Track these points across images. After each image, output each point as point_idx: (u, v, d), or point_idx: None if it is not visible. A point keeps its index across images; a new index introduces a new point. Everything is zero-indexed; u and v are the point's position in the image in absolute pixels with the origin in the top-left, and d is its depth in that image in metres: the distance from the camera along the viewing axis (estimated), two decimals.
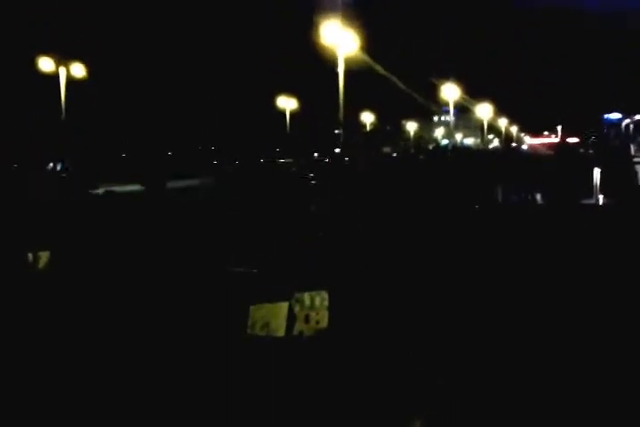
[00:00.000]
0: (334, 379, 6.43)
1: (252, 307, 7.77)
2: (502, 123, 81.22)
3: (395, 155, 60.22)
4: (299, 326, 7.60)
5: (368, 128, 69.10)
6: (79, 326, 8.24)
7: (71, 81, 36.00)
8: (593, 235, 13.26)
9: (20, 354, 7.33)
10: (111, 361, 7.05)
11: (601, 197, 25.91)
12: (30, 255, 11.72)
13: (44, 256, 11.82)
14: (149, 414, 5.99)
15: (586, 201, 24.57)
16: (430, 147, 73.98)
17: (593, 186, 28.18)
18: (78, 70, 36.26)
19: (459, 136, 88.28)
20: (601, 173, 29.93)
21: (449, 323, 7.84)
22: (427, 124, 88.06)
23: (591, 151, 64.45)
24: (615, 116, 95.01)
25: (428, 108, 70.75)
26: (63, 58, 35.87)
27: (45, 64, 35.54)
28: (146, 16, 65.23)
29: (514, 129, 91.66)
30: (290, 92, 53.75)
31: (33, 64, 36.22)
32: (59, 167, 39.81)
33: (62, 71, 35.55)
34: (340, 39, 26.38)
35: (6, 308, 9.03)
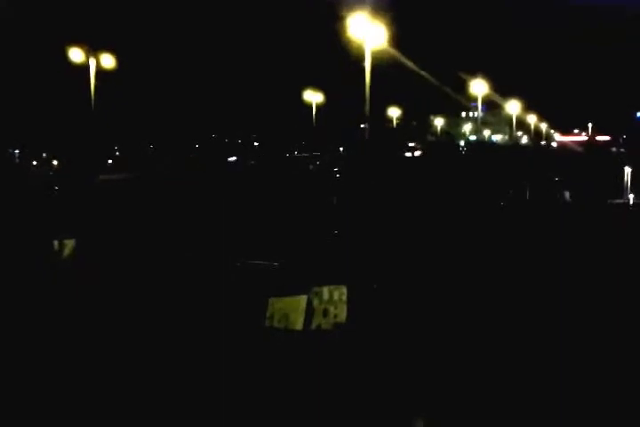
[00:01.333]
0: (351, 371, 6.38)
1: (270, 299, 7.75)
2: (531, 120, 79.99)
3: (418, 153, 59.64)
4: (317, 320, 7.55)
5: (394, 123, 68.59)
6: (102, 312, 8.31)
7: (100, 71, 36.31)
8: (621, 234, 12.98)
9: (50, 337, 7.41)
10: (128, 347, 7.09)
11: (631, 197, 25.38)
12: (56, 243, 11.89)
13: (70, 244, 11.98)
14: (167, 396, 6.01)
15: (616, 200, 24.11)
16: (461, 142, 73.19)
17: (623, 185, 27.66)
18: (108, 61, 36.50)
19: (487, 132, 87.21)
20: (632, 172, 29.34)
21: (468, 319, 7.72)
22: (454, 120, 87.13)
23: (622, 150, 63.26)
24: None
25: (456, 103, 69.97)
26: (93, 49, 36.15)
27: (76, 55, 35.85)
28: (175, 8, 65.59)
29: (543, 126, 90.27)
30: (317, 85, 53.57)
31: (63, 54, 36.57)
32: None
33: (92, 62, 35.82)
34: (367, 33, 26.11)
35: (34, 293, 9.15)
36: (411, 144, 66.16)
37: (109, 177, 30.74)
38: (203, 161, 39.24)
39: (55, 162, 49.11)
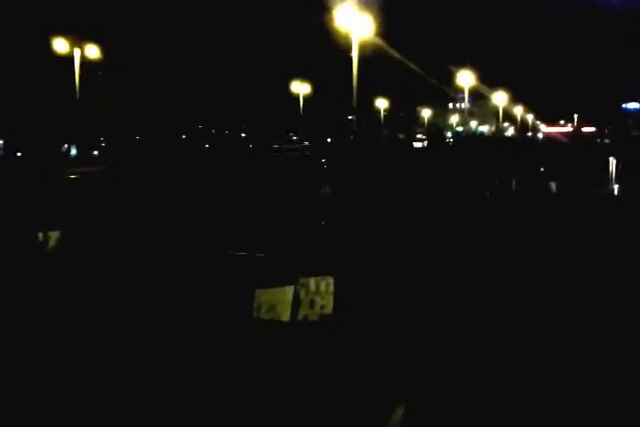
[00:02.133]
0: (335, 364, 6.40)
1: (257, 290, 7.75)
2: (518, 111, 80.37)
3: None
4: (303, 311, 7.56)
5: (382, 114, 68.59)
6: (85, 308, 8.27)
7: (85, 62, 36.01)
8: (608, 224, 13.08)
9: (32, 336, 7.37)
10: (116, 343, 7.07)
11: (616, 187, 25.59)
12: (40, 235, 11.77)
13: (54, 236, 11.86)
14: (155, 393, 6.00)
15: (601, 190, 24.28)
16: (448, 134, 73.36)
17: (608, 175, 27.85)
18: (93, 52, 36.24)
19: (473, 123, 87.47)
20: (617, 162, 29.57)
21: (454, 315, 7.76)
22: (441, 111, 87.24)
23: (607, 141, 63.77)
24: (633, 105, 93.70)
25: (443, 94, 70.03)
26: (78, 39, 35.85)
27: (60, 45, 35.55)
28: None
29: (529, 117, 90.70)
30: (304, 76, 53.40)
31: (48, 45, 36.23)
32: (73, 150, 39.96)
33: (77, 52, 35.56)
34: (354, 23, 26.04)
35: (17, 288, 9.09)
36: (419, 135, 66.14)
37: (92, 169, 30.47)
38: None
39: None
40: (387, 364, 6.41)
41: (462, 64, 49.64)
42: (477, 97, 68.95)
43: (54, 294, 8.78)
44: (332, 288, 7.66)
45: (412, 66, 52.02)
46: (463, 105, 68.51)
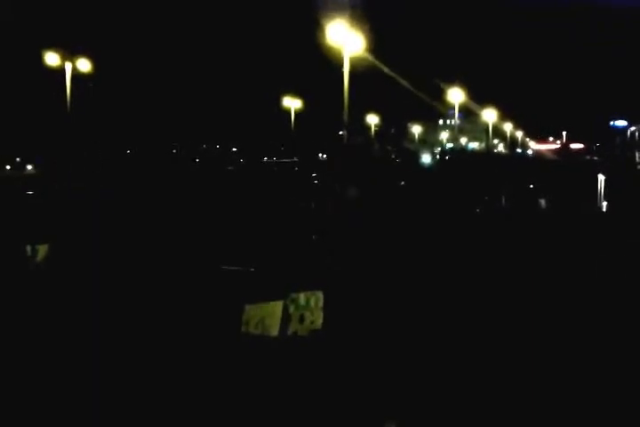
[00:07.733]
0: (326, 377, 6.36)
1: (247, 305, 7.71)
2: (507, 127, 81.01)
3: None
4: (293, 326, 7.53)
5: (373, 130, 68.97)
6: (74, 320, 8.19)
7: (77, 76, 36.06)
8: (596, 240, 13.17)
9: (22, 346, 7.28)
10: (107, 354, 7.00)
11: (605, 204, 25.79)
12: (29, 248, 11.70)
13: (43, 249, 11.78)
14: (143, 405, 5.93)
15: (589, 207, 24.47)
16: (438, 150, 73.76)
17: (597, 192, 28.10)
18: (84, 65, 36.28)
19: (463, 140, 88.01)
20: (605, 180, 29.81)
21: (445, 325, 7.75)
22: (432, 128, 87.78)
23: (596, 158, 64.43)
24: (621, 123, 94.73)
25: (434, 111, 70.57)
26: (69, 53, 35.91)
27: (52, 59, 35.55)
28: (153, 13, 65.32)
29: (519, 134, 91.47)
30: (295, 92, 53.70)
31: (39, 59, 36.27)
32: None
33: (68, 66, 35.57)
34: (346, 39, 26.25)
35: (6, 300, 8.99)
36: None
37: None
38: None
39: (29, 166, 48.48)
40: (378, 377, 6.38)
41: (453, 80, 50.13)
42: (468, 113, 69.56)
43: (42, 305, 8.70)
44: (321, 303, 7.63)
45: (403, 82, 52.48)
46: (453, 121, 69.03)
